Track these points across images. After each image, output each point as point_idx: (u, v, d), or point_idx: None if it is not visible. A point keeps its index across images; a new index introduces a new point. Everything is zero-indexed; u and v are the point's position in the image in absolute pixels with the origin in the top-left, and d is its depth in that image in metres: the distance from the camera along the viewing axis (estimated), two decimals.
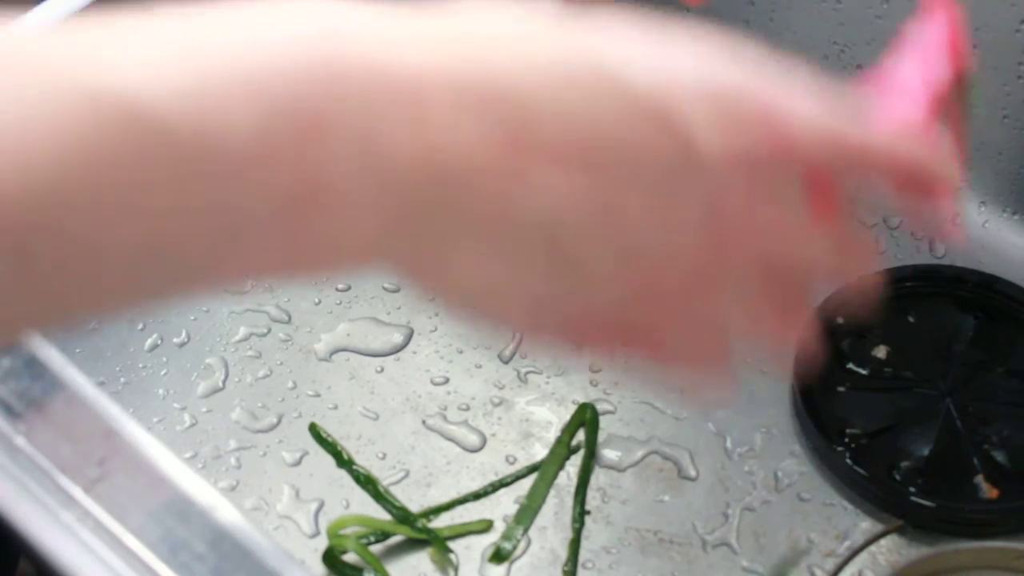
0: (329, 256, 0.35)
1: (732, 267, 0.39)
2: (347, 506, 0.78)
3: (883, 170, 0.39)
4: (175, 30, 0.33)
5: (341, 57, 0.33)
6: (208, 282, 0.34)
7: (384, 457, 0.80)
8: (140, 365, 0.84)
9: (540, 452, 0.80)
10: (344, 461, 0.79)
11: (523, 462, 0.80)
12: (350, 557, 0.75)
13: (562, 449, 0.80)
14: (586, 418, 0.81)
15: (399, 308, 0.87)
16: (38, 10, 0.77)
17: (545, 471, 0.79)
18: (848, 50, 0.92)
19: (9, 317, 0.32)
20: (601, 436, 0.80)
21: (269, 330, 0.86)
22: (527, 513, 0.77)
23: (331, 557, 0.75)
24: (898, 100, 0.41)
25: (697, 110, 0.35)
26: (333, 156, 0.33)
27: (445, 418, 0.82)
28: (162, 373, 0.84)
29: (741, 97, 0.36)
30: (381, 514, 0.77)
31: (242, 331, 0.86)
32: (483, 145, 0.34)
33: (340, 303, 0.87)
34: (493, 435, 0.81)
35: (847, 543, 0.76)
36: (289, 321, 0.86)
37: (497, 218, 0.35)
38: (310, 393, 0.83)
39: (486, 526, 0.77)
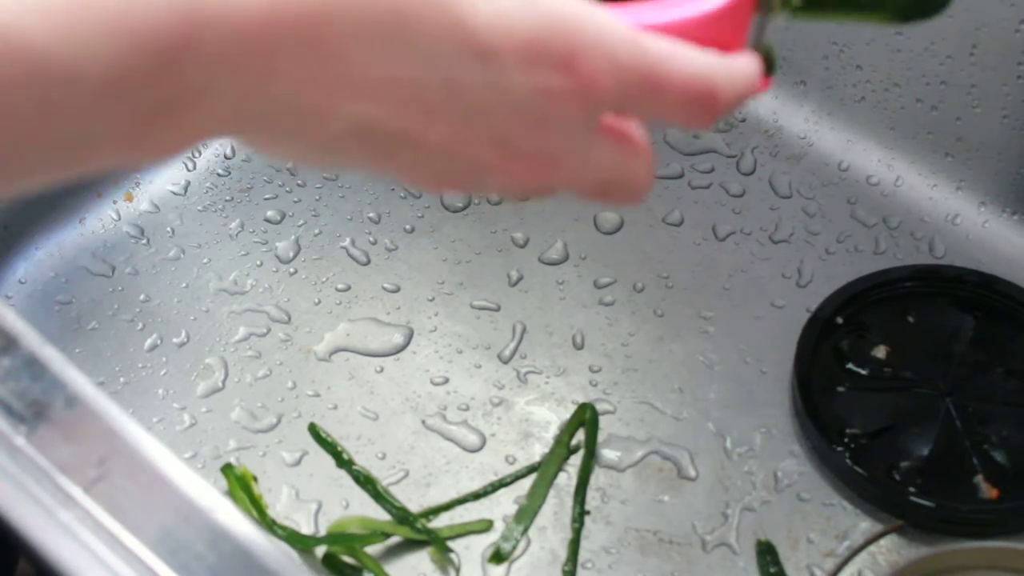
0: (177, 147, 0.38)
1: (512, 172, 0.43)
2: (347, 506, 0.78)
3: (675, 103, 0.42)
4: None
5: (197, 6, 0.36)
6: (58, 174, 0.38)
7: (384, 457, 0.80)
8: (140, 365, 0.84)
9: (540, 452, 0.80)
10: (344, 461, 0.79)
11: (523, 462, 0.80)
12: (350, 557, 0.75)
13: (562, 449, 0.80)
14: (586, 418, 0.81)
15: (399, 308, 0.87)
16: None
17: (545, 471, 0.79)
18: (848, 50, 0.92)
19: None
20: (601, 436, 0.80)
21: (269, 330, 0.86)
22: (527, 513, 0.77)
23: (331, 557, 0.75)
24: None
25: (510, 48, 0.39)
26: (184, 83, 0.36)
27: (445, 418, 0.82)
28: (162, 373, 0.84)
29: (550, 39, 0.39)
30: (381, 514, 0.77)
31: (242, 331, 0.86)
32: (304, 87, 0.38)
33: (340, 303, 0.87)
34: (493, 435, 0.81)
35: (847, 543, 0.76)
36: (289, 321, 0.86)
37: (317, 128, 0.39)
38: (310, 393, 0.83)
39: (486, 526, 0.77)
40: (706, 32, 0.43)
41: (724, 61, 0.42)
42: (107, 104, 0.35)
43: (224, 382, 0.84)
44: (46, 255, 0.89)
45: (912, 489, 0.76)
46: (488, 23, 0.39)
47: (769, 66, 0.45)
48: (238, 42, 0.36)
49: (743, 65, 0.43)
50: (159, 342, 0.85)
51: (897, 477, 0.77)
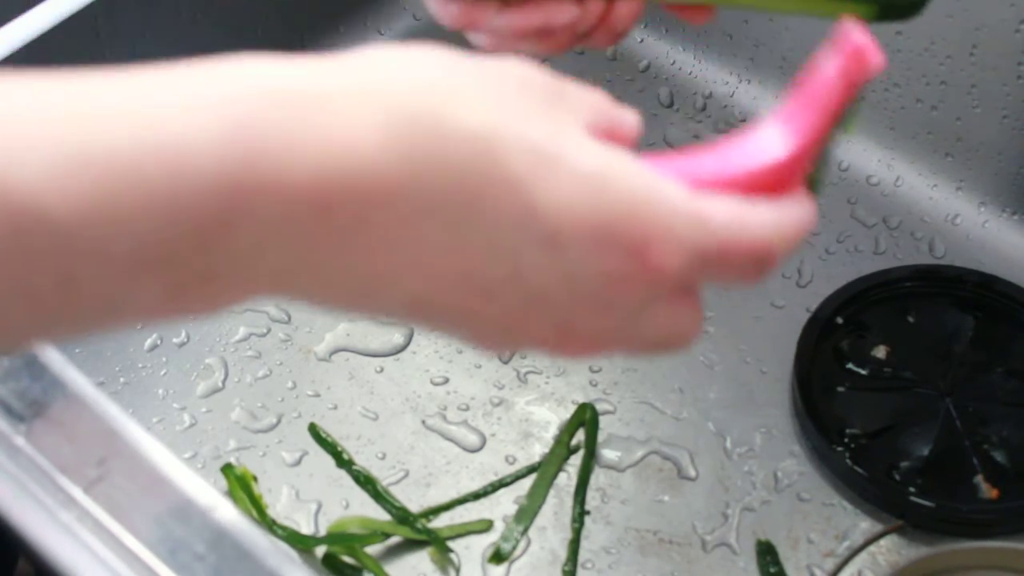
0: (214, 310, 0.37)
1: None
2: (347, 506, 0.78)
3: (734, 272, 0.41)
4: (91, 118, 0.33)
5: (250, 168, 0.34)
6: (81, 334, 0.36)
7: (384, 457, 0.80)
8: (140, 365, 0.84)
9: (540, 452, 0.80)
10: (344, 461, 0.79)
11: (523, 462, 0.80)
12: (350, 557, 0.75)
13: (562, 449, 0.80)
14: (586, 418, 0.81)
15: None
16: (33, 13, 0.77)
17: (545, 471, 0.79)
18: None
19: None
20: (601, 436, 0.80)
21: (269, 330, 0.86)
22: (527, 513, 0.77)
23: (331, 557, 0.75)
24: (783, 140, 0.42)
25: (579, 235, 0.38)
26: (231, 253, 0.34)
27: (445, 418, 0.82)
28: (162, 373, 0.84)
29: (619, 226, 0.38)
30: (381, 514, 0.77)
31: (242, 331, 0.86)
32: (361, 261, 0.37)
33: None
34: (493, 435, 0.81)
35: (847, 543, 0.76)
36: (289, 321, 0.86)
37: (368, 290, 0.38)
38: (310, 393, 0.83)
39: (486, 526, 0.77)
40: (766, 181, 0.42)
41: (780, 219, 0.41)
42: (140, 277, 0.34)
43: (224, 382, 0.84)
44: None
45: (912, 489, 0.76)
46: (556, 207, 0.37)
47: (815, 188, 0.44)
48: (294, 210, 0.34)
49: (796, 216, 0.42)
50: (159, 342, 0.85)
51: (897, 477, 0.77)
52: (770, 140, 0.42)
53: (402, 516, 0.76)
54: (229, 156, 0.33)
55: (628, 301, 0.40)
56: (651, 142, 0.95)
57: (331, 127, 0.35)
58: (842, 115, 0.42)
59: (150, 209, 0.33)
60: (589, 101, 0.41)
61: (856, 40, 0.42)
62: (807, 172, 0.43)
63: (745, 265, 0.41)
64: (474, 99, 0.37)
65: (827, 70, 0.42)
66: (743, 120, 0.96)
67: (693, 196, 0.40)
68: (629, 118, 0.42)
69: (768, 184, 0.42)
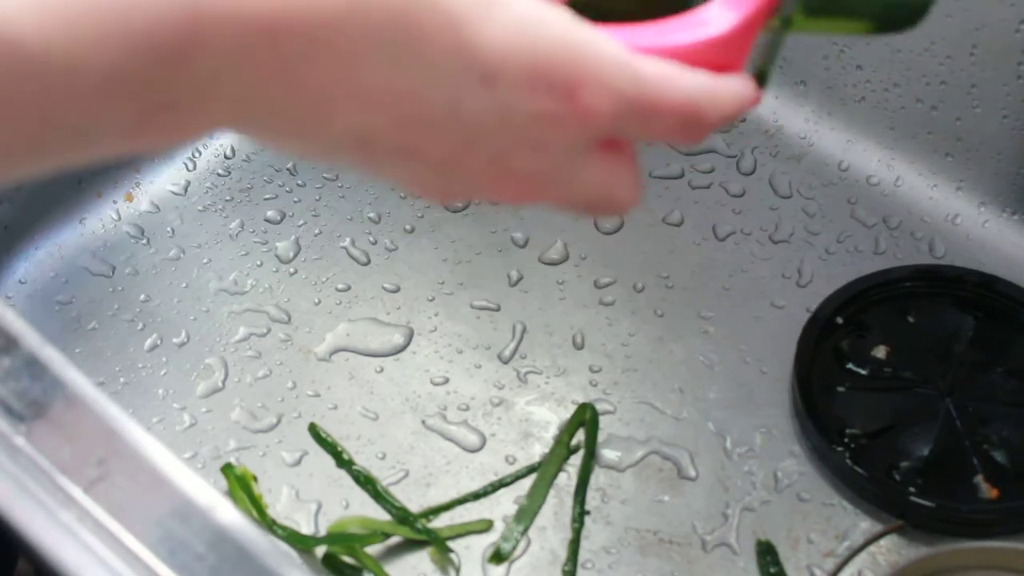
0: (179, 139, 0.39)
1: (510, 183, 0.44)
2: (347, 506, 0.78)
3: (663, 127, 0.43)
4: None
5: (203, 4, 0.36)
6: (57, 162, 0.38)
7: (384, 457, 0.80)
8: (140, 365, 0.84)
9: (540, 452, 0.80)
10: (344, 461, 0.79)
11: (523, 462, 0.80)
12: (350, 557, 0.75)
13: (562, 449, 0.80)
14: (586, 418, 0.81)
15: (399, 308, 0.87)
16: None
17: (545, 471, 0.79)
18: (848, 50, 0.92)
19: None
20: (601, 436, 0.80)
21: (269, 330, 0.86)
22: (527, 513, 0.77)
23: (331, 557, 0.75)
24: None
25: (513, 72, 0.40)
26: (191, 80, 0.36)
27: (445, 418, 0.82)
28: (162, 373, 0.84)
29: (552, 67, 0.40)
30: (381, 514, 0.77)
31: (242, 331, 0.86)
32: (310, 88, 0.39)
33: (340, 303, 0.87)
34: (493, 435, 0.81)
35: (847, 543, 0.76)
36: (289, 321, 0.86)
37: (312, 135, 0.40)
38: (310, 393, 0.83)
39: (486, 526, 0.77)
40: (704, 56, 0.43)
41: (713, 84, 0.43)
42: (109, 100, 0.36)
43: (224, 382, 0.84)
44: (46, 255, 0.89)
45: (912, 489, 0.76)
46: (493, 46, 0.39)
47: (762, 81, 0.46)
48: (245, 40, 0.37)
49: (732, 87, 0.44)
50: (159, 342, 0.85)
51: (897, 477, 0.77)
52: (712, 17, 0.44)
53: (402, 516, 0.76)
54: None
55: (559, 142, 0.42)
56: (651, 142, 0.95)
57: None
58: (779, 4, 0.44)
59: (110, 38, 0.35)
60: None
61: None
62: (751, 58, 0.45)
63: (673, 124, 0.42)
64: None
65: None
66: (743, 120, 0.96)
67: (627, 52, 0.42)
68: None
69: (707, 59, 0.43)
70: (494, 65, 0.40)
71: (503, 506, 0.78)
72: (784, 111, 0.95)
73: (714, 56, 0.44)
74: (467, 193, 0.45)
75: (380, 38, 0.38)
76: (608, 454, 0.80)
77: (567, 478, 0.79)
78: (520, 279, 0.89)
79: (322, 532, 0.77)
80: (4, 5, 0.34)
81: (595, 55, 0.41)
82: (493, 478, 0.79)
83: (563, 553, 0.76)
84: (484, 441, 0.81)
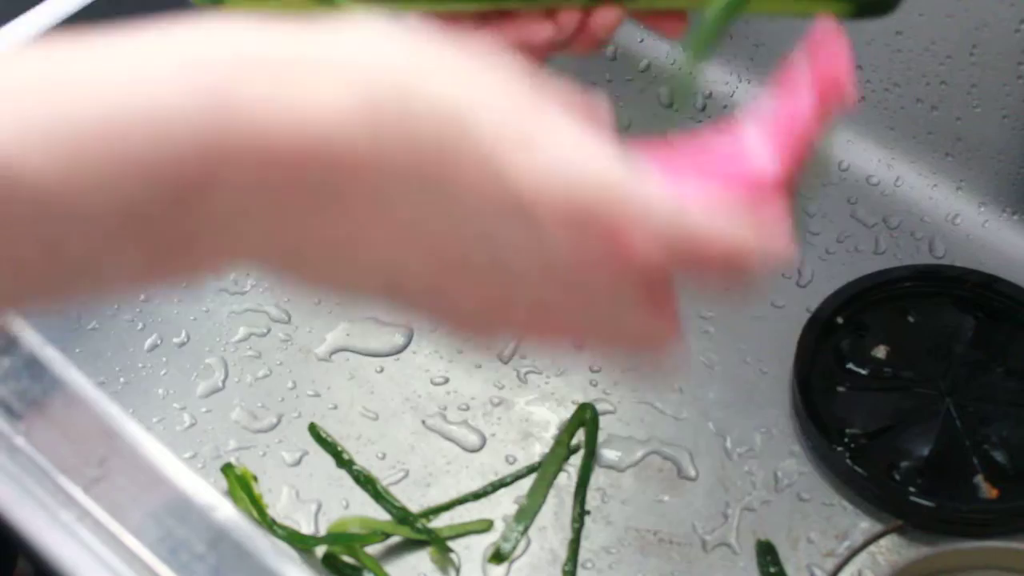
0: (194, 276, 0.37)
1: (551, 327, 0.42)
2: (347, 506, 0.78)
3: (717, 270, 0.40)
4: (65, 85, 0.33)
5: (224, 134, 0.34)
6: (65, 300, 0.36)
7: (384, 457, 0.80)
8: (140, 365, 0.84)
9: (540, 452, 0.80)
10: (344, 461, 0.79)
11: (523, 462, 0.80)
12: (350, 557, 0.75)
13: (562, 449, 0.80)
14: (586, 418, 0.81)
15: None
16: (35, 12, 0.77)
17: (545, 471, 0.79)
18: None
19: None
20: (601, 436, 0.80)
21: (269, 330, 0.86)
22: (527, 513, 0.77)
23: (331, 557, 0.75)
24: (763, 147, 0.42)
25: (551, 208, 0.37)
26: (209, 219, 0.35)
27: (445, 418, 0.82)
28: (162, 373, 0.84)
29: (594, 207, 0.37)
30: (381, 514, 0.77)
31: (242, 331, 0.86)
32: (335, 226, 0.36)
33: (340, 303, 0.87)
34: (493, 435, 0.81)
35: (847, 543, 0.76)
36: (289, 321, 0.86)
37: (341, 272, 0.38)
38: (310, 393, 0.83)
39: (486, 526, 0.77)
40: (748, 190, 0.41)
41: (760, 230, 0.40)
42: (120, 242, 0.34)
43: (224, 382, 0.84)
44: None
45: (912, 489, 0.76)
46: (531, 183, 0.36)
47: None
48: (270, 174, 0.35)
49: (778, 235, 0.41)
50: (159, 342, 0.85)
51: (897, 477, 0.77)
52: (756, 148, 0.42)
53: (402, 516, 0.76)
54: (203, 121, 0.34)
55: (600, 285, 0.39)
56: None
57: (303, 95, 0.35)
58: (818, 142, 0.42)
59: (126, 174, 0.33)
60: (562, 85, 0.40)
61: (833, 68, 0.42)
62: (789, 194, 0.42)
63: (717, 271, 0.40)
64: (446, 73, 0.37)
65: (803, 97, 0.42)
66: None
67: (672, 186, 0.39)
68: (602, 103, 0.41)
69: (747, 193, 0.41)
70: (529, 200, 0.36)
71: (503, 506, 0.78)
72: None
73: (756, 193, 0.41)
74: (507, 335, 0.42)
75: (407, 176, 0.36)
76: (608, 454, 0.80)
77: (567, 478, 0.79)
78: None
79: (322, 532, 0.77)
80: (6, 140, 0.32)
81: (641, 194, 0.38)
82: (493, 478, 0.79)
83: (563, 553, 0.76)
84: (484, 441, 0.81)
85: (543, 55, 0.57)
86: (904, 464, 0.77)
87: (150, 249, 0.35)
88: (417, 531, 0.75)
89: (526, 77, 0.39)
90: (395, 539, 0.76)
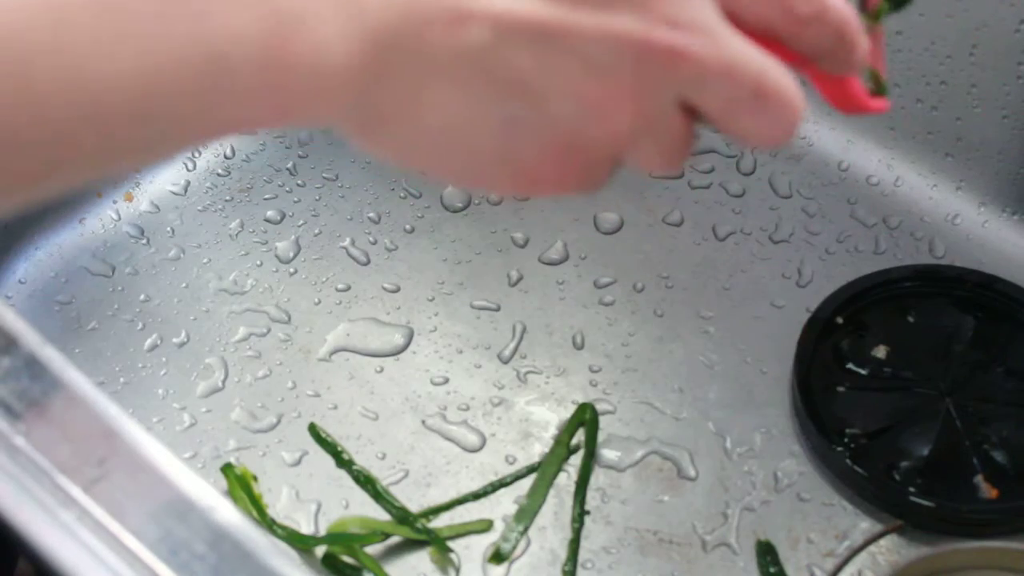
0: (305, 102, 0.39)
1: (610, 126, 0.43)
2: (347, 506, 0.78)
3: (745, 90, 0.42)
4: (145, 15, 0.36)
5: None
6: (196, 133, 0.38)
7: (384, 457, 0.80)
8: (140, 365, 0.84)
9: (540, 452, 0.80)
10: (344, 461, 0.79)
11: (523, 462, 0.80)
12: (350, 557, 0.75)
13: (561, 449, 0.80)
14: (586, 418, 0.81)
15: (399, 308, 0.87)
16: None
17: (544, 471, 0.79)
18: None
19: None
20: (601, 436, 0.80)
21: (269, 330, 0.86)
22: (527, 513, 0.77)
23: (331, 557, 0.75)
24: None
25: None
26: (311, 9, 0.37)
27: (445, 418, 0.82)
28: (162, 373, 0.84)
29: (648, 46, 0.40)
30: (381, 514, 0.77)
31: (242, 331, 0.86)
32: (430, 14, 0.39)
33: (340, 303, 0.87)
34: (493, 435, 0.81)
35: (847, 543, 0.76)
36: (289, 321, 0.86)
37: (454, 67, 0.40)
38: (310, 393, 0.83)
39: (486, 526, 0.77)
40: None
41: (787, 73, 0.43)
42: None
43: (224, 382, 0.84)
44: (46, 255, 0.89)
45: (912, 489, 0.76)
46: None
47: (879, 87, 0.46)
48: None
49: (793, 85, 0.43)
50: (159, 342, 0.85)
51: (897, 477, 0.77)
52: None
53: (402, 516, 0.76)
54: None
55: (647, 76, 0.41)
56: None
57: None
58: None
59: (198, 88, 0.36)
60: None
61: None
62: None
63: (745, 91, 0.41)
64: None
65: None
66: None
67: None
68: None
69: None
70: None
71: (503, 506, 0.78)
72: None
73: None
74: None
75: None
76: (608, 454, 0.80)
77: (567, 478, 0.79)
78: (520, 279, 0.89)
79: (322, 532, 0.77)
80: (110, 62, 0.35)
81: None
82: (493, 478, 0.79)
83: (563, 553, 0.76)
84: (484, 441, 0.81)
85: None
86: (904, 464, 0.77)
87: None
88: (417, 531, 0.75)
89: None
90: (395, 539, 0.76)
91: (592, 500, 0.78)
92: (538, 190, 0.44)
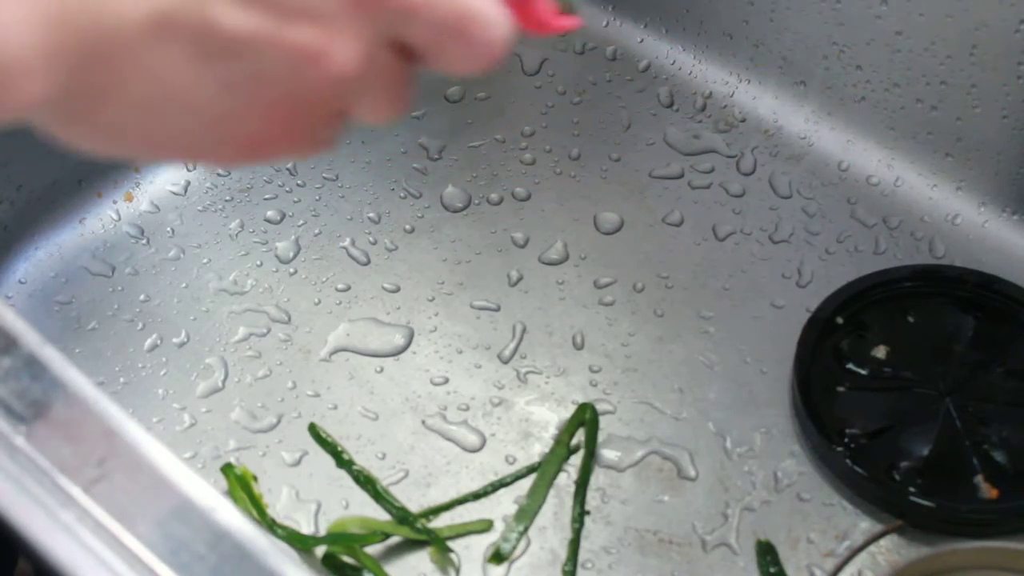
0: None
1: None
2: (347, 506, 0.78)
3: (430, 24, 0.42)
4: None
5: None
6: None
7: (384, 457, 0.80)
8: (140, 365, 0.84)
9: (540, 452, 0.80)
10: (344, 461, 0.79)
11: (523, 462, 0.80)
12: (350, 557, 0.75)
13: (561, 449, 0.80)
14: (586, 418, 0.81)
15: (399, 308, 0.87)
16: None
17: (544, 471, 0.79)
18: (848, 50, 0.92)
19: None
20: (601, 436, 0.80)
21: (269, 330, 0.86)
22: (527, 513, 0.77)
23: (331, 557, 0.75)
24: None
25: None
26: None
27: (445, 418, 0.82)
28: (162, 373, 0.84)
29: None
30: (381, 514, 0.77)
31: (242, 331, 0.86)
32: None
33: (340, 303, 0.87)
34: (493, 435, 0.81)
35: (847, 543, 0.76)
36: (289, 321, 0.86)
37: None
38: (310, 393, 0.83)
39: (486, 526, 0.77)
40: None
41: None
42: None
43: (224, 382, 0.84)
44: (46, 255, 0.89)
45: (912, 489, 0.76)
46: None
47: (566, 6, 0.46)
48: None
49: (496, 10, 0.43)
50: (159, 342, 0.85)
51: (897, 477, 0.77)
52: None
53: (402, 516, 0.76)
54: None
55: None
56: (651, 142, 0.95)
57: None
58: None
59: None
60: None
61: None
62: None
63: (449, 15, 0.41)
64: None
65: None
66: (743, 120, 0.96)
67: None
68: None
69: None
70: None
71: (503, 506, 0.78)
72: (784, 111, 0.95)
73: None
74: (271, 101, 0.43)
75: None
76: (608, 454, 0.80)
77: (567, 478, 0.79)
78: (520, 279, 0.89)
79: (322, 532, 0.77)
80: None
81: None
82: (493, 478, 0.79)
83: (563, 553, 0.76)
84: (484, 441, 0.81)
85: None
86: (904, 464, 0.77)
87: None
88: (417, 531, 0.75)
89: None
90: (395, 539, 0.76)
91: (592, 500, 0.78)
92: (265, 154, 0.43)
